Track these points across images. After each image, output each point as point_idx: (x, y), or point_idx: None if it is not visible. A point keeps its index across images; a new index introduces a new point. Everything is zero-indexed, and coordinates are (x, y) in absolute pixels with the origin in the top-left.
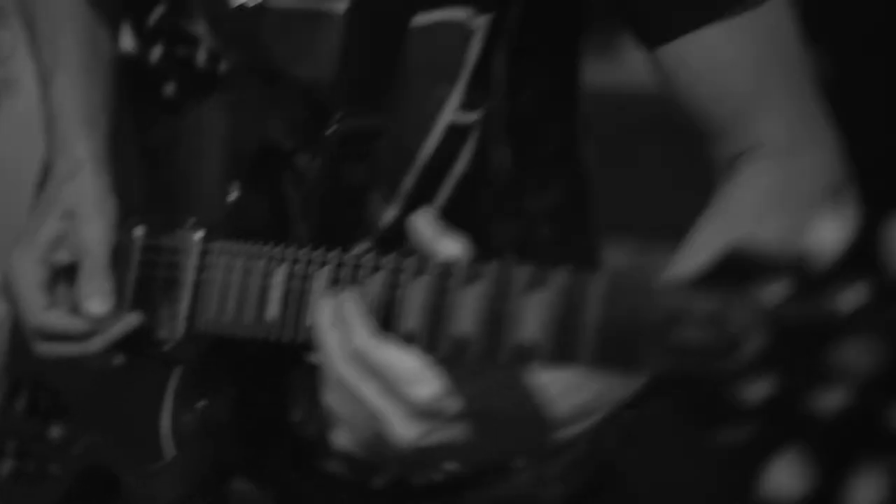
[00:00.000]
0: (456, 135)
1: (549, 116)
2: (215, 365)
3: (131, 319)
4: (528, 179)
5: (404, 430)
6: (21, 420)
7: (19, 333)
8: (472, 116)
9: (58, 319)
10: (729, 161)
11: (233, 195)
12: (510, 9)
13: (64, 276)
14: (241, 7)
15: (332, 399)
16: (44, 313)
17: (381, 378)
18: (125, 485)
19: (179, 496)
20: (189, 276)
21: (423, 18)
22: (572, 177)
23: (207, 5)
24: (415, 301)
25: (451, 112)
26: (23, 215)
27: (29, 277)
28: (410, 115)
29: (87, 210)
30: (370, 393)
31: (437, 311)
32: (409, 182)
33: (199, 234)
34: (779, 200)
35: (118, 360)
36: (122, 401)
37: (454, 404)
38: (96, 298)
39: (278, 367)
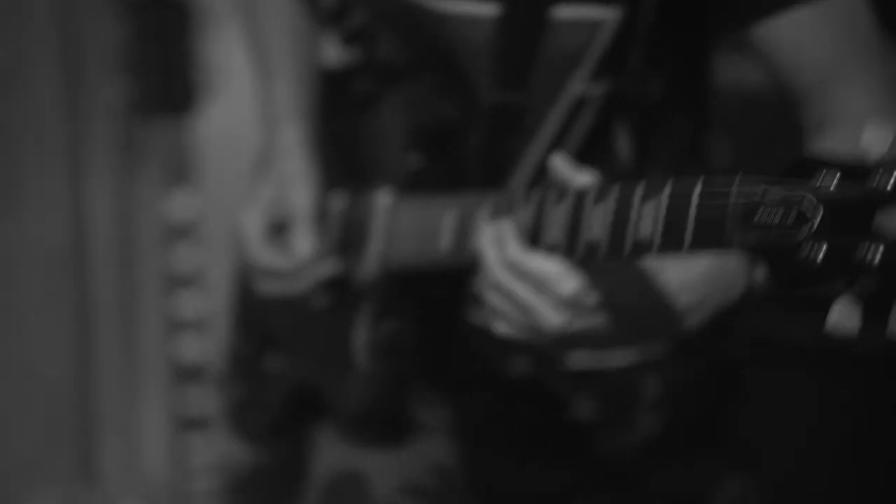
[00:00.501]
0: (581, 107)
1: (675, 108)
2: (399, 296)
3: (331, 264)
4: (645, 168)
5: (552, 320)
6: (247, 357)
7: (244, 282)
8: (598, 90)
9: (275, 257)
10: (815, 127)
11: (414, 165)
12: (644, 4)
13: (277, 234)
14: (406, 6)
15: (492, 299)
16: (265, 254)
17: (531, 280)
18: (324, 395)
19: (369, 401)
20: (380, 227)
21: (562, 11)
22: (691, 172)
23: (379, 7)
24: (556, 220)
25: (580, 85)
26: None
27: (252, 227)
28: (546, 91)
29: (297, 180)
30: (523, 292)
31: (575, 224)
32: (538, 149)
33: (387, 195)
34: None
35: (321, 299)
36: (324, 329)
37: (591, 297)
38: (304, 243)
39: (449, 293)
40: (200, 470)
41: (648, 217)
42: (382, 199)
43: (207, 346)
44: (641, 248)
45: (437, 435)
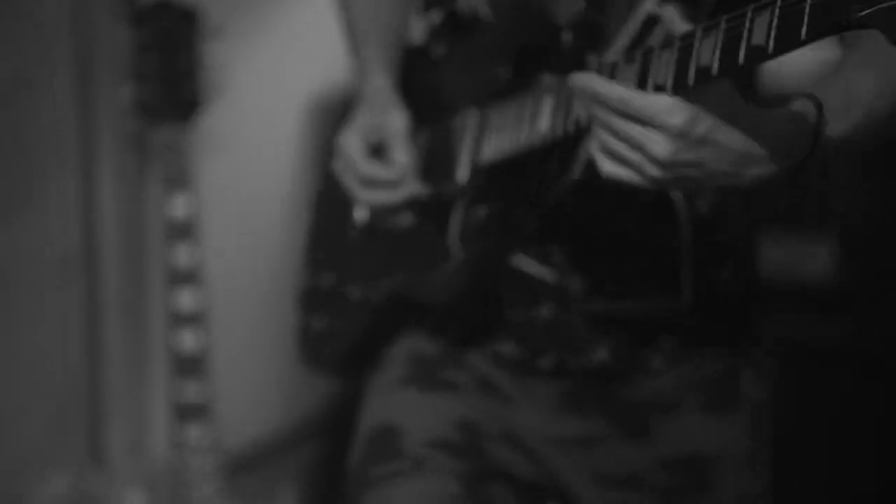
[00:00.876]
0: (651, 24)
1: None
2: (491, 185)
3: (420, 184)
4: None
5: (663, 149)
6: (327, 290)
7: (322, 218)
8: (667, 9)
9: (376, 168)
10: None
11: (500, 81)
12: None
13: (374, 155)
14: None
15: (603, 139)
16: (366, 165)
17: (643, 115)
18: (414, 300)
19: (465, 283)
20: (472, 134)
21: None
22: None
23: None
24: (664, 62)
25: (650, 4)
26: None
27: (354, 144)
28: (621, 10)
29: (391, 107)
30: (635, 128)
31: (684, 58)
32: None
33: (474, 110)
34: None
35: (408, 217)
36: (413, 241)
37: (699, 128)
38: (403, 154)
39: (538, 176)
40: (198, 452)
41: (761, 25)
42: (471, 114)
43: (205, 338)
44: (756, 53)
45: (465, 393)
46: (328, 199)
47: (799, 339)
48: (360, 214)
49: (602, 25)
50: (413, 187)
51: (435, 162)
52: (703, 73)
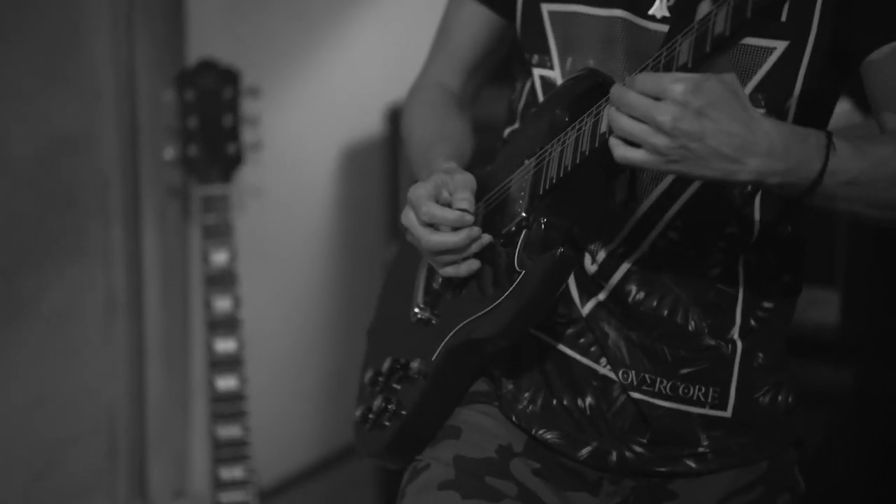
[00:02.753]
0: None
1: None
2: (549, 207)
3: (483, 237)
4: None
5: (667, 115)
6: (386, 376)
7: (389, 324)
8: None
9: (438, 208)
10: (881, 130)
11: (563, 121)
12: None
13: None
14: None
15: (615, 119)
16: (429, 205)
17: (651, 88)
18: (479, 337)
19: (527, 306)
20: (529, 179)
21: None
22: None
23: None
24: (683, 53)
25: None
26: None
27: (421, 192)
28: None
29: (459, 171)
30: (644, 101)
31: (700, 41)
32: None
33: (533, 158)
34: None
35: (473, 264)
36: (482, 287)
37: (697, 100)
38: (464, 202)
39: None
40: (236, 488)
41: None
42: (529, 162)
43: (241, 380)
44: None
45: (509, 502)
46: (388, 308)
47: (807, 383)
48: (423, 288)
49: None
50: (474, 231)
51: (500, 215)
52: (718, 39)
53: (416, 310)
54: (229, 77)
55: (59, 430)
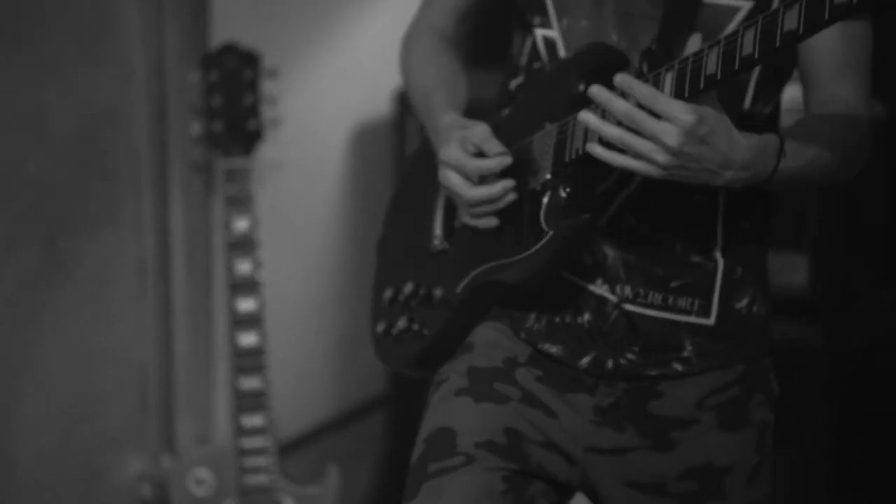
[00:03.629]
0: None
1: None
2: (571, 176)
3: (505, 159)
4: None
5: (675, 139)
6: (408, 298)
7: (402, 246)
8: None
9: (483, 161)
10: (816, 105)
11: (579, 91)
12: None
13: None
14: None
15: (620, 136)
16: (474, 162)
17: (662, 110)
18: (504, 280)
19: (554, 259)
20: (551, 144)
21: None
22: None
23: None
24: (667, 85)
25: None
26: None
27: (457, 153)
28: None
29: (471, 124)
30: (653, 122)
31: (695, 73)
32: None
33: (554, 124)
34: (843, 121)
35: (501, 192)
36: (505, 231)
37: (701, 130)
38: (497, 147)
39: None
40: (256, 436)
41: (792, 17)
42: (551, 127)
43: (262, 337)
44: (790, 37)
45: (514, 404)
46: (399, 228)
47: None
48: (441, 224)
49: (674, 54)
50: (508, 183)
51: (521, 171)
52: (744, 62)
53: (436, 241)
54: (250, 59)
55: (94, 384)
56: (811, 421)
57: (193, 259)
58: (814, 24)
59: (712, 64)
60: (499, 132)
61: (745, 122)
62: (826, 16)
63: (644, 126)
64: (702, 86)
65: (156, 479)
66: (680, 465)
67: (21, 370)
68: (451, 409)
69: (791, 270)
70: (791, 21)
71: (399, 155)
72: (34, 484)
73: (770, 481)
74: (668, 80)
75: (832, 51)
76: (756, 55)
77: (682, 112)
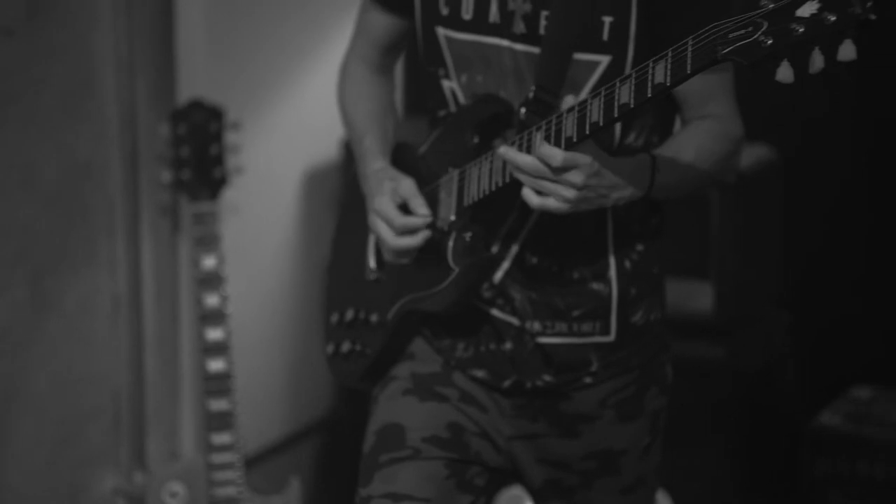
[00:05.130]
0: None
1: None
2: (472, 219)
3: (427, 220)
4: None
5: (579, 178)
6: (350, 323)
7: (345, 273)
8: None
9: (410, 219)
10: (688, 120)
11: (474, 143)
12: (626, 56)
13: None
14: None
15: (533, 182)
16: (402, 218)
17: (565, 161)
18: (425, 310)
19: (462, 293)
20: (454, 189)
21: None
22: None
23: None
24: (569, 123)
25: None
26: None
27: (388, 206)
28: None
29: (399, 177)
30: (557, 173)
31: (583, 123)
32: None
33: (456, 170)
34: (709, 132)
35: (420, 243)
36: (422, 264)
37: (595, 166)
38: (422, 206)
39: (503, 204)
40: (223, 453)
41: (661, 70)
42: (454, 172)
43: (228, 364)
44: (660, 88)
45: (453, 403)
46: (343, 256)
47: (688, 359)
48: (374, 257)
49: (549, 103)
50: (428, 231)
51: (431, 210)
52: (622, 109)
53: (371, 271)
54: (215, 114)
55: (73, 408)
56: (715, 432)
57: (162, 293)
58: (680, 78)
59: (595, 112)
60: (417, 167)
61: (621, 155)
62: (688, 70)
63: (552, 174)
64: (588, 131)
65: (129, 493)
66: (583, 450)
67: (13, 396)
68: (398, 407)
69: (697, 297)
70: (660, 75)
71: (345, 196)
72: (23, 503)
73: (659, 454)
74: (567, 124)
75: (699, 83)
76: (631, 103)
77: (581, 157)
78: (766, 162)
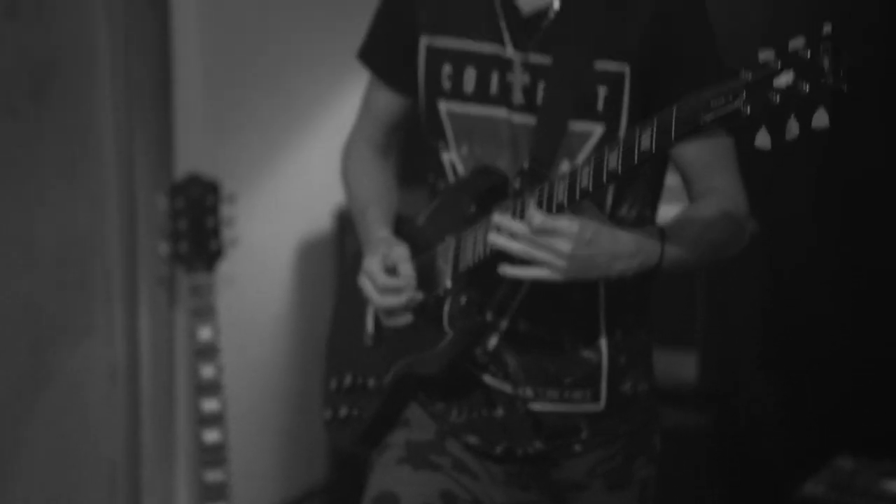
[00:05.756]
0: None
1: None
2: (467, 284)
3: (419, 292)
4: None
5: (567, 247)
6: (348, 388)
7: (345, 339)
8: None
9: (390, 278)
10: (696, 196)
11: (471, 213)
12: (619, 126)
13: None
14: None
15: (524, 251)
16: (383, 277)
17: (553, 228)
18: (420, 373)
19: (457, 357)
20: (450, 256)
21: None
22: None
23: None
24: (561, 187)
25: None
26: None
27: (374, 265)
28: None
29: (394, 243)
30: (548, 238)
31: (573, 189)
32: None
33: (452, 238)
34: (716, 206)
35: (412, 310)
36: (419, 330)
37: (586, 234)
38: (406, 269)
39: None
40: None
41: (647, 137)
42: (449, 240)
43: (223, 435)
44: (645, 155)
45: (446, 471)
46: (343, 323)
47: (673, 427)
48: (372, 323)
49: (543, 174)
50: (414, 293)
51: (428, 277)
52: (611, 175)
53: (368, 337)
54: (211, 188)
55: (70, 478)
56: (700, 500)
57: (158, 364)
58: (665, 144)
59: (585, 179)
60: (414, 237)
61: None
62: (673, 137)
63: (542, 243)
64: (577, 196)
65: None
66: None
67: (10, 466)
68: (393, 475)
69: (682, 366)
70: (646, 142)
71: (339, 266)
72: None
73: None
74: (558, 190)
75: (699, 154)
76: (619, 170)
77: (567, 224)
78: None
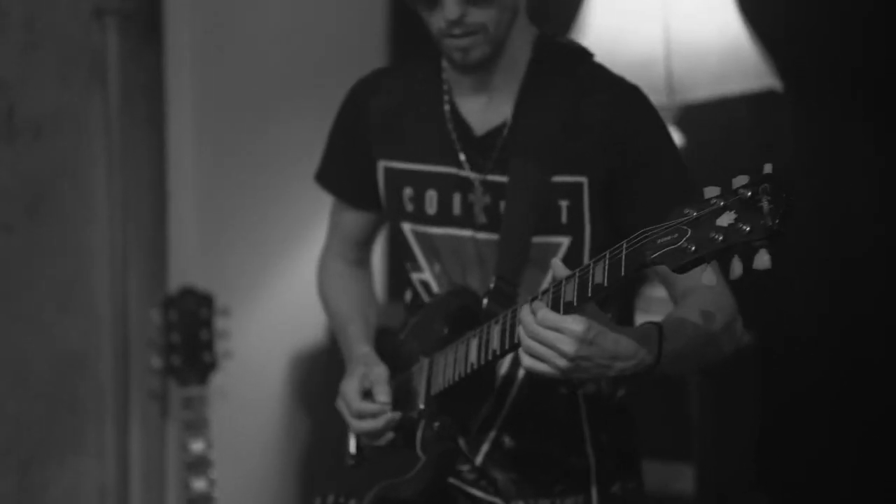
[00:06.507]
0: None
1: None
2: (441, 407)
3: (395, 414)
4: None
5: (570, 347)
6: None
7: (329, 459)
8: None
9: (365, 404)
10: (679, 296)
11: (444, 334)
12: (584, 236)
13: (366, 396)
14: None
15: (527, 344)
16: (358, 402)
17: (557, 325)
18: (397, 496)
19: (430, 481)
20: (424, 378)
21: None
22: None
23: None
24: (569, 288)
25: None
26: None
27: (351, 389)
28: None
29: (374, 364)
30: (551, 334)
31: (583, 287)
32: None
33: (426, 359)
34: (706, 299)
35: (391, 432)
36: (397, 451)
37: (589, 334)
38: (382, 395)
39: (474, 389)
40: None
41: (600, 270)
42: (423, 362)
43: None
44: (598, 288)
45: None
46: (328, 442)
47: None
48: (354, 443)
49: (509, 294)
50: (390, 416)
51: (405, 396)
52: (597, 288)
53: (350, 458)
54: (205, 301)
55: None
56: None
57: (150, 480)
58: (616, 279)
59: (569, 292)
60: (393, 351)
61: None
62: (622, 272)
63: (545, 339)
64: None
65: None
66: None
67: None
68: None
69: (678, 479)
70: (598, 275)
71: (333, 379)
72: None
73: None
74: (570, 286)
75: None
76: (575, 302)
77: (573, 323)
78: (743, 346)
